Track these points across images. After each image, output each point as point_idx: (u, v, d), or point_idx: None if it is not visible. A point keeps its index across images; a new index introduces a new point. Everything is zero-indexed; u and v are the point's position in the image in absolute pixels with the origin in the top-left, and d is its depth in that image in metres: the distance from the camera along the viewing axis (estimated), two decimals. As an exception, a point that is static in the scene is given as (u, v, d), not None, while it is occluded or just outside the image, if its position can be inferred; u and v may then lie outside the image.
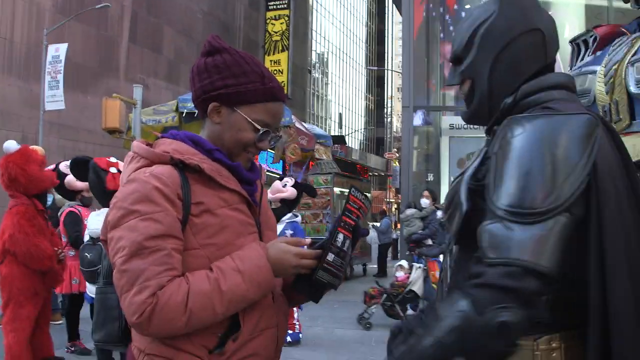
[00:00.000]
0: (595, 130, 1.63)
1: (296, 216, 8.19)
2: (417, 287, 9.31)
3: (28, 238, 5.44)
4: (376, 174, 53.10)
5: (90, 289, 5.96)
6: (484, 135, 1.98)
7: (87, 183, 5.17)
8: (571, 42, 3.02)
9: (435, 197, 11.66)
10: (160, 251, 1.73)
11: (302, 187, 8.02)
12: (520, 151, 1.63)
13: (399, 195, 23.06)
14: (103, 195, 4.62)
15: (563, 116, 1.66)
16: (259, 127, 1.95)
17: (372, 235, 19.29)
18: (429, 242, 10.99)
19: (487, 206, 1.64)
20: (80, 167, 4.92)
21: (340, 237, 1.96)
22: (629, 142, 2.58)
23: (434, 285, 9.64)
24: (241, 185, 1.96)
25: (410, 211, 11.73)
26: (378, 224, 20.43)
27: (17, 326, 5.44)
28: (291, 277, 2.00)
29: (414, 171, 13.91)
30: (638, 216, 1.66)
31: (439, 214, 10.33)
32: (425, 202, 11.51)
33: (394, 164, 47.39)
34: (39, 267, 5.54)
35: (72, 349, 7.42)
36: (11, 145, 5.78)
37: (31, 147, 6.09)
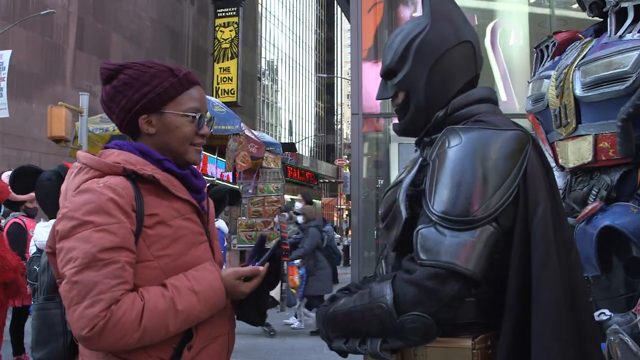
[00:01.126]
0: (526, 146, 1.74)
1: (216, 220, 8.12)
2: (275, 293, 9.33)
3: None
4: (327, 180, 53.34)
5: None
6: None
7: (30, 194, 5.01)
8: (536, 48, 3.12)
9: (309, 201, 11.82)
10: (114, 264, 1.70)
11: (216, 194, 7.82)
12: (455, 162, 1.72)
13: (350, 202, 23.13)
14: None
15: (497, 131, 1.75)
16: (193, 114, 1.95)
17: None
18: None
19: (423, 210, 1.73)
20: (27, 177, 4.73)
21: (285, 265, 2.06)
22: (574, 145, 2.63)
23: (293, 291, 9.79)
24: (190, 194, 1.95)
25: (284, 216, 11.75)
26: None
27: None
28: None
29: (364, 177, 13.90)
30: (557, 220, 1.75)
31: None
32: (299, 205, 11.65)
33: (345, 171, 47.67)
34: (2, 278, 5.37)
35: (19, 364, 7.22)
36: None
37: None
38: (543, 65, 2.96)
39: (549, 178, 1.81)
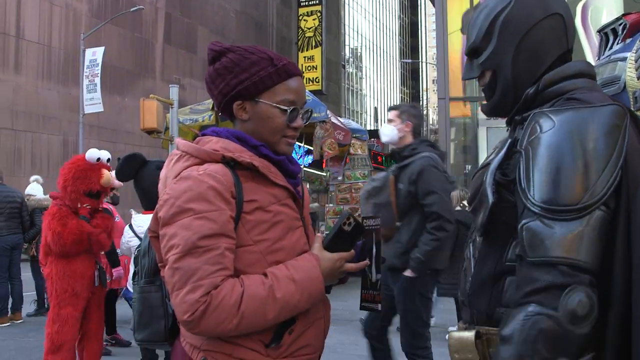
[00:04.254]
0: (624, 120, 1.61)
1: None
2: None
3: (65, 237, 5.47)
4: (413, 167, 52.79)
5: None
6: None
7: (120, 182, 5.12)
8: (599, 31, 2.97)
9: None
10: (213, 250, 1.73)
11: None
12: (551, 147, 1.60)
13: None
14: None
15: (591, 108, 1.63)
16: (285, 108, 1.94)
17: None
18: None
19: (520, 202, 1.62)
20: (134, 164, 4.83)
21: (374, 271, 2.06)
22: (659, 126, 2.52)
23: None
24: (286, 180, 1.97)
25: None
26: None
27: (58, 328, 5.45)
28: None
29: (452, 163, 13.81)
30: None
31: None
32: None
33: (431, 157, 46.98)
34: (99, 250, 5.59)
35: (113, 342, 7.53)
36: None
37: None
38: (610, 48, 2.84)
39: None
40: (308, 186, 21.84)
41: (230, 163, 1.86)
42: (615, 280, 1.56)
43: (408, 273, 4.40)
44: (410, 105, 4.93)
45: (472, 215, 1.91)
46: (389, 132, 4.70)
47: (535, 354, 1.49)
